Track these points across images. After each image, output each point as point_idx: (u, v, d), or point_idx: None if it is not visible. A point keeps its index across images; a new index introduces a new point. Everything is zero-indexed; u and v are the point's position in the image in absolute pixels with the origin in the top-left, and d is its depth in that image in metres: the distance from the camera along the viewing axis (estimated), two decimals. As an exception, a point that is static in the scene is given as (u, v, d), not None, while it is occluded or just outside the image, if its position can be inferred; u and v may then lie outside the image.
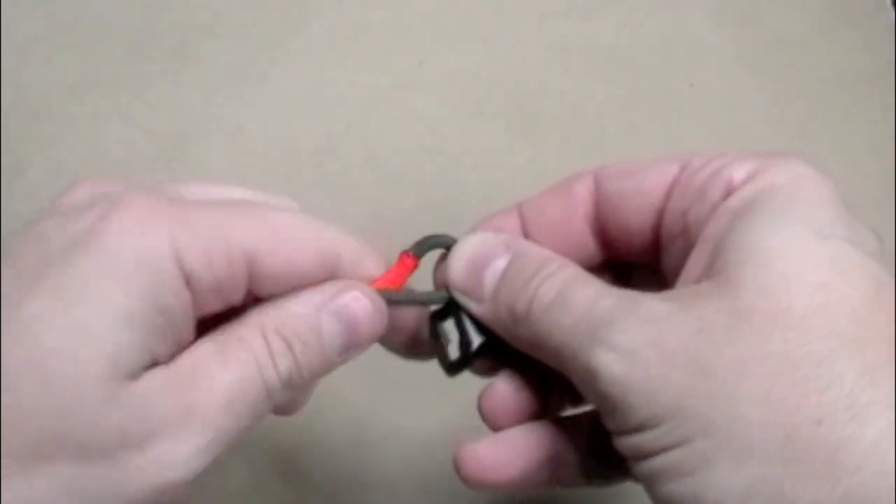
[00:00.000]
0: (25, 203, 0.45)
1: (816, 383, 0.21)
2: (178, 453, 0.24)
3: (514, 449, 0.28)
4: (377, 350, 0.43)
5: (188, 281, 0.24)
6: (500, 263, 0.27)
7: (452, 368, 0.30)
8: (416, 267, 0.30)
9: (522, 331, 0.26)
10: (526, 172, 0.47)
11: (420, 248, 0.30)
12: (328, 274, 0.27)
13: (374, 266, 0.28)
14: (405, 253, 0.30)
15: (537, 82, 0.50)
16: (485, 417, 0.29)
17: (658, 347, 0.22)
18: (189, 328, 0.25)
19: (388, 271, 0.29)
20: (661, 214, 0.27)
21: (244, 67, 0.50)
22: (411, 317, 0.30)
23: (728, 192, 0.25)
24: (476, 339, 0.29)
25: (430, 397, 0.43)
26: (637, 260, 0.29)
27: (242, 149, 0.48)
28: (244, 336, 0.26)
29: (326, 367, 0.27)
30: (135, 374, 0.23)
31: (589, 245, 0.29)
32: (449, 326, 0.30)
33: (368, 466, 0.41)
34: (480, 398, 0.29)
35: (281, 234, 0.26)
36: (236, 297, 0.26)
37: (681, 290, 0.24)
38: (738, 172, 0.25)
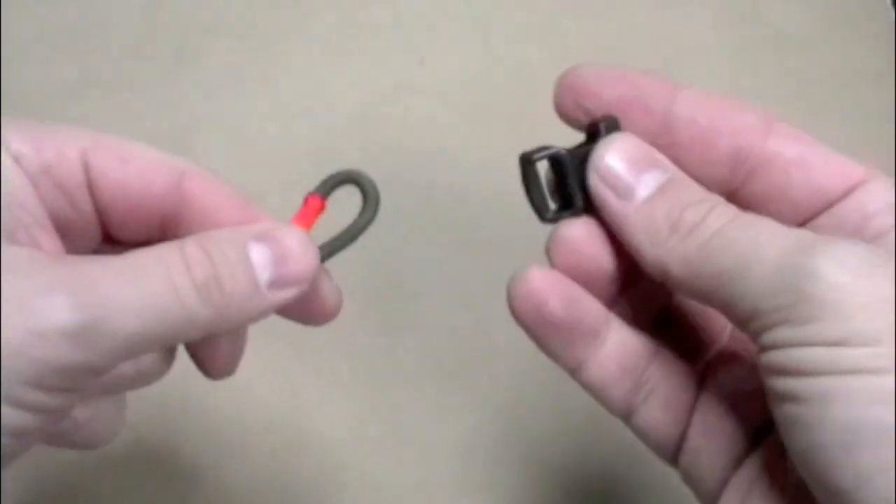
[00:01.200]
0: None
1: None
2: (49, 300, 0.22)
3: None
4: (376, 347, 0.43)
5: (17, 161, 0.25)
6: (660, 174, 0.27)
7: (550, 218, 0.28)
8: (322, 209, 0.28)
9: (680, 244, 0.25)
10: (526, 172, 0.47)
11: (326, 187, 0.29)
12: (177, 196, 0.27)
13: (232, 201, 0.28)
14: (310, 195, 0.29)
15: (537, 82, 0.50)
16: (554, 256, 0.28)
17: (884, 272, 0.22)
18: (39, 212, 0.25)
19: (295, 215, 0.28)
20: (830, 204, 0.26)
21: (244, 67, 0.50)
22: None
23: None
24: (579, 200, 0.28)
25: (431, 395, 0.43)
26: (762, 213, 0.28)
27: (242, 149, 0.48)
28: (156, 247, 0.25)
29: (257, 301, 0.25)
30: None
31: (720, 171, 0.28)
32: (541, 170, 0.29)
33: (369, 465, 0.41)
34: (555, 235, 0.28)
35: (115, 139, 0.27)
36: (82, 200, 0.26)
37: (872, 246, 0.24)
38: None
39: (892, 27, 0.53)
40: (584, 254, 0.28)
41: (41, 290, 0.22)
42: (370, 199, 0.29)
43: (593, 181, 0.27)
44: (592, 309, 0.28)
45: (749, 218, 0.25)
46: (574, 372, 0.29)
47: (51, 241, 0.26)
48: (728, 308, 0.24)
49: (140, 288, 0.23)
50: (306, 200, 0.28)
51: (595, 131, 0.28)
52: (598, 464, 0.41)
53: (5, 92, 0.48)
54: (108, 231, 0.28)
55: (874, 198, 0.26)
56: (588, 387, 0.29)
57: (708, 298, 0.25)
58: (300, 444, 0.41)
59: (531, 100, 0.51)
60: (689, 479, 0.28)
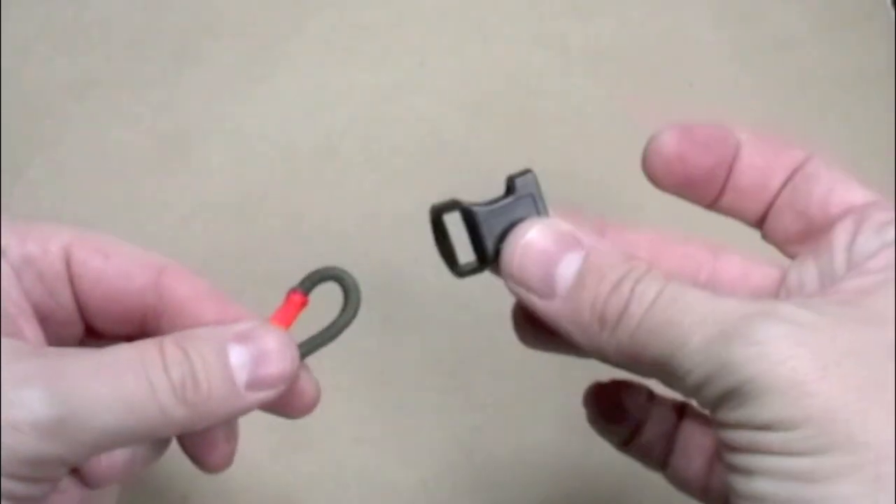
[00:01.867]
0: (25, 204, 0.45)
1: None
2: (24, 392, 0.23)
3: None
4: (376, 347, 0.43)
5: (2, 253, 0.26)
6: (575, 259, 0.25)
7: (464, 273, 0.28)
8: (304, 305, 0.29)
9: (612, 336, 0.25)
10: (526, 172, 0.47)
11: (308, 284, 0.29)
12: (156, 292, 0.28)
13: (210, 304, 0.28)
14: (292, 291, 0.29)
15: (537, 82, 0.50)
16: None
17: (810, 351, 0.22)
18: (22, 303, 0.27)
19: (277, 311, 0.28)
20: (834, 224, 0.27)
21: (244, 67, 0.50)
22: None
23: None
24: (490, 245, 0.27)
25: (431, 395, 0.43)
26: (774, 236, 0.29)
27: (242, 149, 0.48)
28: (136, 344, 0.25)
29: (235, 401, 0.26)
30: None
31: (760, 209, 0.28)
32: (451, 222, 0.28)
33: (370, 464, 0.41)
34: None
35: (97, 236, 0.28)
36: (63, 292, 0.27)
37: (819, 304, 0.24)
38: None
39: (892, 27, 0.53)
40: None
41: (18, 381, 0.23)
42: (352, 297, 0.29)
43: (511, 287, 0.26)
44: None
45: (672, 293, 0.24)
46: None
47: (33, 330, 0.27)
48: (670, 386, 0.25)
49: (116, 385, 0.24)
50: (288, 296, 0.28)
51: (510, 187, 0.28)
52: (597, 465, 0.41)
53: (5, 92, 0.48)
54: (90, 324, 0.29)
55: (862, 223, 0.26)
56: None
57: (651, 377, 0.26)
58: (300, 444, 0.41)
59: (531, 100, 0.51)
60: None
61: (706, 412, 0.24)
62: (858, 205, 0.27)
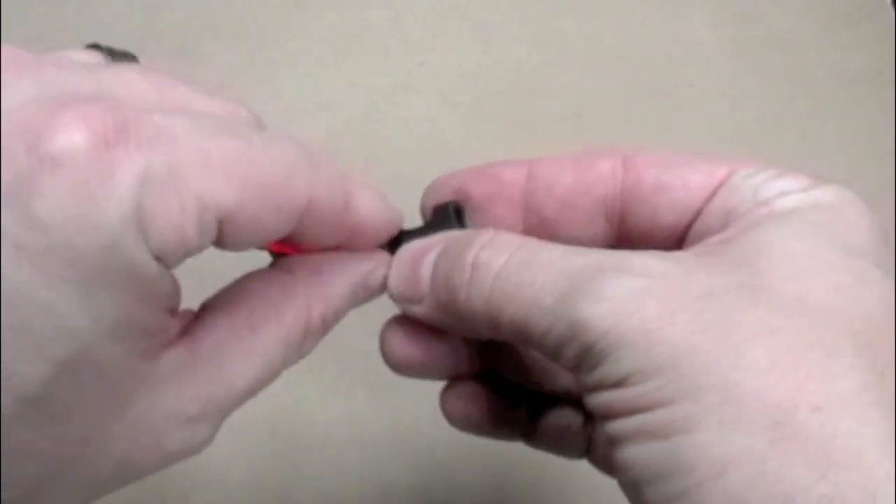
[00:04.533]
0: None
1: (823, 371, 0.20)
2: (191, 441, 0.24)
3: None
4: (376, 347, 0.43)
5: (158, 258, 0.20)
6: (433, 255, 0.27)
7: None
8: None
9: (466, 305, 0.25)
10: (526, 172, 0.47)
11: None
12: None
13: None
14: None
15: (537, 82, 0.50)
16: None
17: (658, 301, 0.21)
18: (168, 289, 0.21)
19: None
20: (698, 213, 0.26)
21: (244, 67, 0.50)
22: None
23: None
24: None
25: (431, 395, 0.43)
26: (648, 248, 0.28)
27: (242, 149, 0.48)
28: (285, 314, 0.25)
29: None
30: (144, 354, 0.21)
31: (597, 226, 0.28)
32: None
33: (370, 465, 0.41)
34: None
35: (263, 181, 0.22)
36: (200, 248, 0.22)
37: (678, 255, 0.23)
38: (792, 184, 0.25)
39: (892, 27, 0.53)
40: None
41: (187, 422, 0.24)
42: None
43: (399, 306, 0.28)
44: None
45: (523, 257, 0.24)
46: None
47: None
48: (539, 352, 0.24)
49: (262, 374, 0.25)
50: None
51: (440, 213, 0.29)
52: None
53: (5, 92, 0.47)
54: None
55: (735, 190, 0.25)
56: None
57: (522, 347, 0.26)
58: (300, 445, 0.41)
59: (531, 100, 0.51)
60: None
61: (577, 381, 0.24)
62: (716, 182, 0.26)
